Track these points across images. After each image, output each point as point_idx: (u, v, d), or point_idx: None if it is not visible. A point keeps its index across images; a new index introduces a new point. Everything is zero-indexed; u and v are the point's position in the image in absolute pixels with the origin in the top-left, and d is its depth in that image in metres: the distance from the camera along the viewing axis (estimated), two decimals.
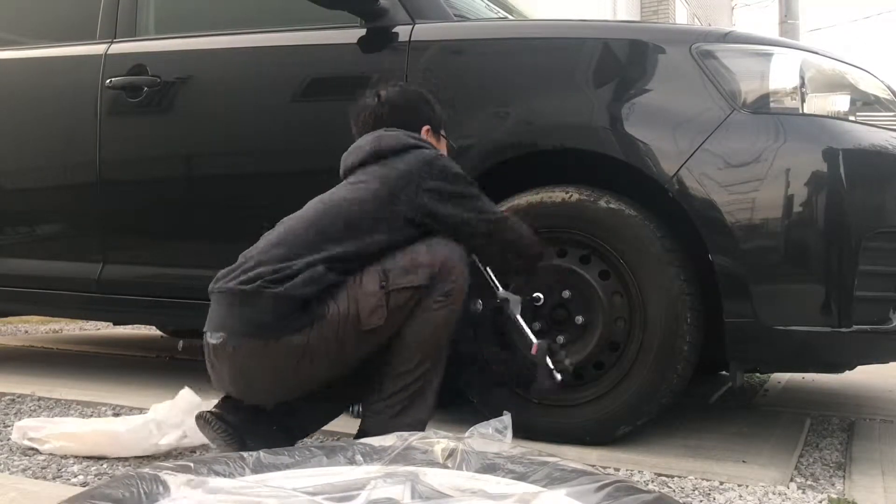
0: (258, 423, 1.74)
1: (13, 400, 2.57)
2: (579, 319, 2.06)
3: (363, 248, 1.73)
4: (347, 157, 1.93)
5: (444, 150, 2.04)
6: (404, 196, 1.77)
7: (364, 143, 1.91)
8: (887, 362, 2.09)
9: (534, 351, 1.89)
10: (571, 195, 2.05)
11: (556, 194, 2.07)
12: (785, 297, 1.89)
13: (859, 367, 2.22)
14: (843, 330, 1.86)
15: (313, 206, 1.82)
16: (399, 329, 1.75)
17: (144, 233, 2.77)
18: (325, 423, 1.94)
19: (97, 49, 2.81)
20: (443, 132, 2.05)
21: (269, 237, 1.77)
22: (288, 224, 1.79)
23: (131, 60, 2.71)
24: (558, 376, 1.87)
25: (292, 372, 1.68)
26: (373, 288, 1.70)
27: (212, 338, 1.70)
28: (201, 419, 1.76)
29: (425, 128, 1.99)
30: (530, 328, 2.09)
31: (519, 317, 1.94)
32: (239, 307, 1.66)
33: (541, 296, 2.09)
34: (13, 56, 3.03)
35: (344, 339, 1.68)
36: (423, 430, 1.70)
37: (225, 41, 2.63)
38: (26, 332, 4.84)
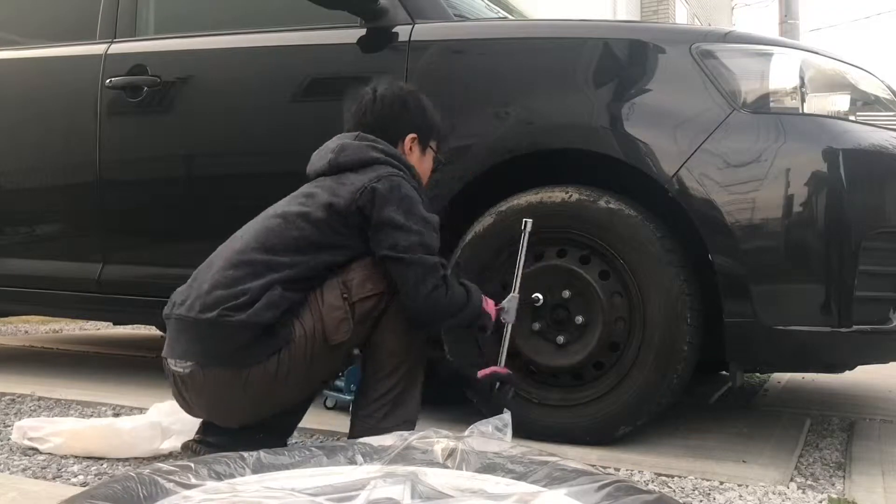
0: (242, 436, 1.73)
1: (13, 400, 2.56)
2: (579, 319, 2.06)
3: (318, 266, 1.70)
4: (313, 160, 1.88)
5: (428, 163, 1.97)
6: (348, 213, 1.71)
7: (326, 151, 1.85)
8: (887, 362, 2.09)
9: (480, 373, 1.88)
10: (571, 195, 2.05)
11: (556, 194, 2.07)
12: (785, 297, 1.89)
13: (859, 367, 2.22)
14: (844, 330, 1.86)
15: (264, 222, 1.77)
16: (370, 337, 1.73)
17: (144, 233, 2.77)
18: (305, 410, 1.89)
19: (97, 49, 2.81)
20: (433, 144, 1.97)
21: (219, 258, 1.72)
22: (238, 244, 1.73)
23: (131, 60, 2.71)
24: (491, 402, 1.86)
25: (266, 395, 1.67)
26: (336, 302, 1.68)
27: (177, 366, 1.67)
28: (188, 450, 1.75)
29: (411, 135, 1.91)
30: (530, 328, 2.09)
31: (510, 329, 1.93)
32: (201, 338, 1.64)
33: (540, 296, 2.09)
34: (13, 56, 3.03)
35: (314, 357, 1.67)
36: (412, 428, 1.70)
37: (225, 41, 2.63)
38: (26, 332, 4.84)
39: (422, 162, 1.95)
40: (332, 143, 1.86)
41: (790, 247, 1.89)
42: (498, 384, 1.89)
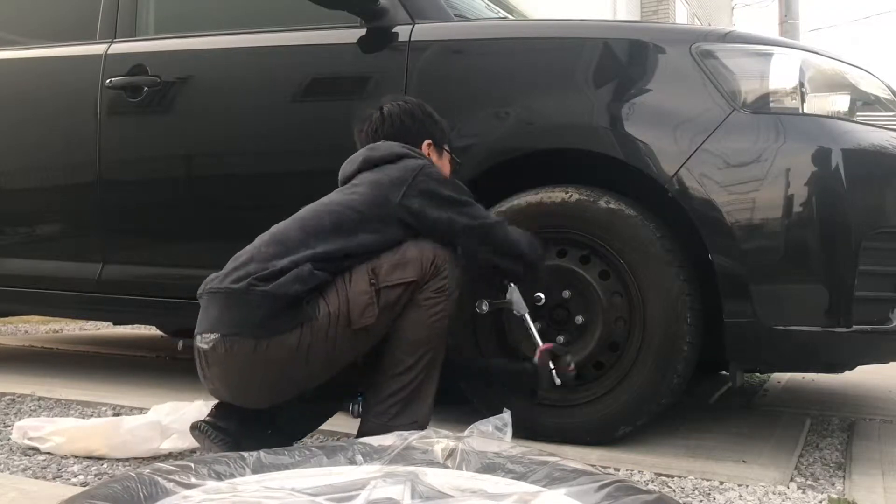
0: (253, 428, 1.74)
1: (13, 400, 2.57)
2: (579, 319, 2.06)
3: (350, 248, 1.73)
4: (344, 168, 1.94)
5: (446, 165, 2.04)
6: (394, 199, 1.77)
7: (357, 155, 1.93)
8: (887, 362, 2.09)
9: (537, 357, 1.89)
10: (571, 195, 2.05)
11: (556, 194, 2.07)
12: (785, 298, 1.89)
13: (859, 367, 2.22)
14: (843, 330, 1.86)
15: (307, 208, 1.83)
16: (392, 327, 1.75)
17: (144, 233, 2.77)
18: (320, 423, 1.94)
19: (97, 49, 2.81)
20: (447, 147, 2.05)
21: (263, 237, 1.78)
22: (280, 225, 1.79)
23: (131, 60, 2.71)
24: (558, 381, 1.87)
25: (286, 372, 1.68)
26: (363, 286, 1.70)
27: (202, 342, 1.69)
28: (196, 429, 1.75)
29: (427, 142, 1.99)
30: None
31: (527, 316, 1.95)
32: (229, 307, 1.66)
33: (541, 296, 2.09)
34: (13, 56, 3.03)
35: (336, 339, 1.68)
36: (421, 429, 1.70)
37: (225, 41, 2.63)
38: (26, 332, 4.84)
39: (441, 166, 2.00)
40: (359, 152, 1.94)
41: (790, 247, 1.89)
42: (556, 353, 1.91)
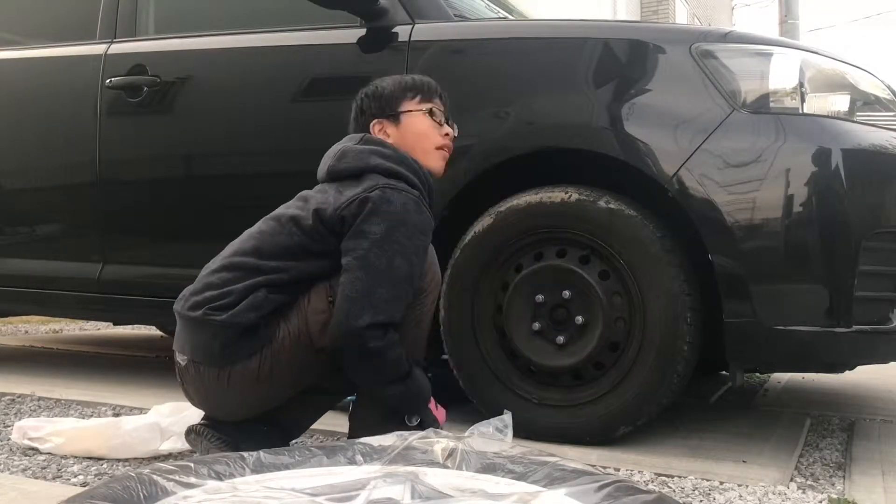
0: (249, 427, 1.74)
1: (13, 400, 2.57)
2: (579, 319, 2.06)
3: (307, 271, 1.69)
4: (321, 163, 1.85)
5: (417, 126, 1.84)
6: (336, 224, 1.67)
7: (328, 156, 1.83)
8: (888, 362, 2.09)
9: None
10: (571, 195, 2.05)
11: (556, 194, 2.07)
12: (785, 298, 1.89)
13: (859, 367, 2.22)
14: (843, 330, 1.86)
15: (262, 224, 1.77)
16: None
17: (144, 233, 2.77)
18: (319, 416, 1.92)
19: (97, 49, 2.81)
20: (407, 107, 1.84)
21: (222, 253, 1.75)
22: (238, 243, 1.75)
23: (131, 60, 2.71)
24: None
25: (251, 394, 1.68)
26: (321, 305, 1.67)
27: (179, 358, 1.71)
28: (192, 433, 1.75)
29: (373, 122, 1.83)
30: (530, 328, 2.10)
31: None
32: (192, 332, 1.67)
33: (541, 296, 2.09)
34: (13, 56, 3.03)
35: (298, 360, 1.67)
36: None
37: (225, 41, 2.63)
38: (26, 332, 4.84)
39: (407, 131, 1.84)
40: (336, 146, 1.84)
41: (790, 247, 1.89)
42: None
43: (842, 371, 2.29)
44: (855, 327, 1.87)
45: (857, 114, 2.04)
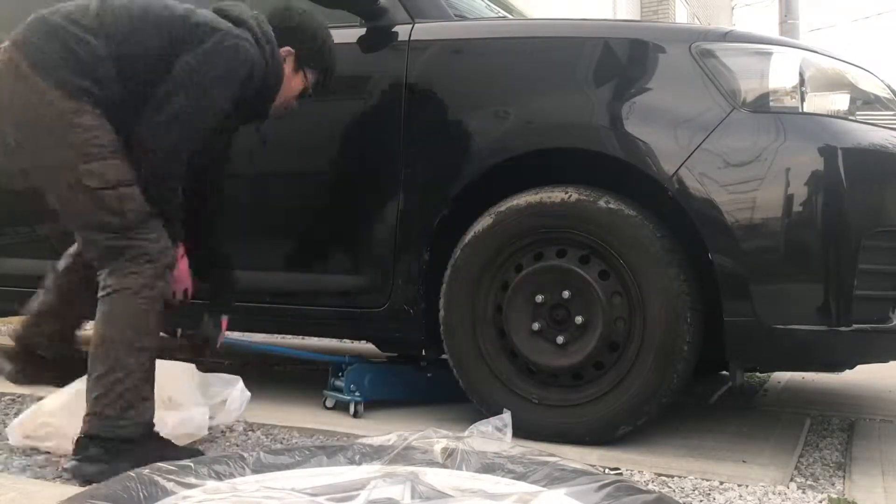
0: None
1: (13, 400, 2.56)
2: (579, 319, 2.06)
3: None
4: None
5: (294, 82, 2.07)
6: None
7: None
8: (887, 361, 2.09)
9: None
10: (571, 195, 2.05)
11: (556, 194, 2.07)
12: (785, 296, 1.89)
13: (859, 367, 2.22)
14: (843, 329, 1.86)
15: None
16: None
17: None
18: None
19: None
20: (307, 71, 2.08)
21: None
22: None
23: None
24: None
25: None
26: None
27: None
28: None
29: (288, 48, 2.02)
30: (530, 328, 2.10)
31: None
32: None
33: (541, 295, 2.09)
34: None
35: None
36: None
37: None
38: None
39: (291, 78, 2.05)
40: None
41: (790, 246, 1.88)
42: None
43: (842, 370, 2.29)
44: (855, 326, 1.86)
45: (857, 113, 2.04)
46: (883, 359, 2.08)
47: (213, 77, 1.78)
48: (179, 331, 2.19)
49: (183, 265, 1.98)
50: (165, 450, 1.70)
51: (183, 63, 1.76)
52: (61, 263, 2.07)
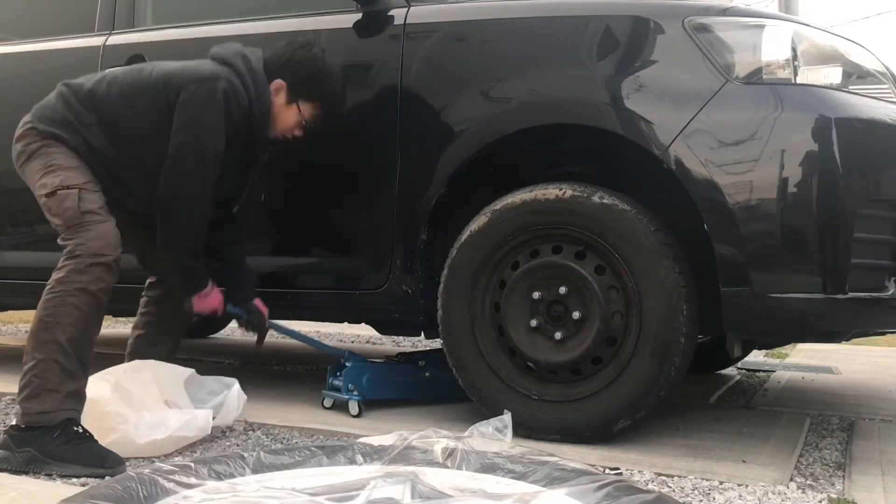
0: None
1: (13, 400, 2.56)
2: (576, 315, 2.05)
3: None
4: None
5: (290, 114, 2.17)
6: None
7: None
8: (883, 332, 2.08)
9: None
10: (565, 191, 2.05)
11: (550, 191, 2.07)
12: (781, 265, 1.88)
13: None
14: (839, 297, 1.85)
15: None
16: None
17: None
18: None
19: (96, 41, 2.81)
20: (301, 104, 2.17)
21: None
22: None
23: (129, 51, 2.70)
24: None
25: None
26: None
27: None
28: None
29: (279, 83, 2.15)
30: (528, 325, 2.10)
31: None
32: None
33: (538, 292, 2.09)
34: (12, 50, 3.03)
35: None
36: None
37: (222, 30, 2.62)
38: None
39: (285, 111, 2.17)
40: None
41: (785, 216, 1.88)
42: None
43: (839, 340, 2.27)
44: (850, 294, 1.86)
45: (849, 85, 2.04)
46: (878, 328, 2.07)
47: (196, 121, 2.03)
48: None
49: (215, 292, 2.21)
50: (77, 443, 1.73)
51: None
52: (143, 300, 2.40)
